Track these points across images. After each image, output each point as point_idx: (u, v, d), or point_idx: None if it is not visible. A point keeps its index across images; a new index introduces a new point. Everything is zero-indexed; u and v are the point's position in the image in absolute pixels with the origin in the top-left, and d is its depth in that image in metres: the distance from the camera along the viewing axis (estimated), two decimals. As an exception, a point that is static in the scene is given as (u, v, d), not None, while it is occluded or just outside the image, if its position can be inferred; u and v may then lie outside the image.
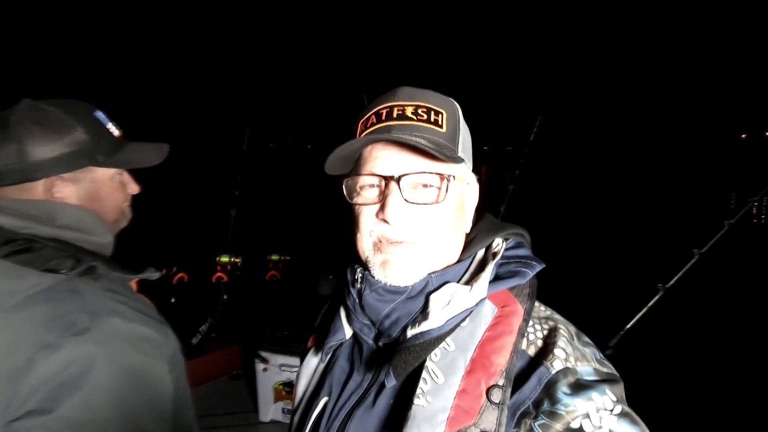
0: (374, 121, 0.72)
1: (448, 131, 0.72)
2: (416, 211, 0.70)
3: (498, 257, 0.73)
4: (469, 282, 0.70)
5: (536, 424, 0.61)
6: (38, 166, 0.94)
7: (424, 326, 0.67)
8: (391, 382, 0.67)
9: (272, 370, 2.83)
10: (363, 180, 0.72)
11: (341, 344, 0.81)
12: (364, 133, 0.72)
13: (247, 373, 3.20)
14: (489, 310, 0.69)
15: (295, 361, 2.64)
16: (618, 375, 0.66)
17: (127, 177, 1.08)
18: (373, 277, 0.71)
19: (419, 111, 0.72)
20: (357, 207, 0.73)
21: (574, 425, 0.59)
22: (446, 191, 0.70)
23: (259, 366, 2.85)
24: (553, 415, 0.60)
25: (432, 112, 0.72)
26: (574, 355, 0.65)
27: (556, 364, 0.64)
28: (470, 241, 0.77)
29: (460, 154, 0.73)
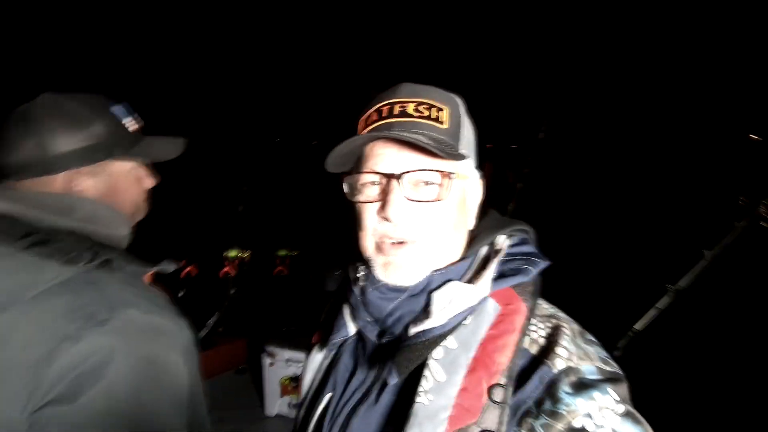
0: (375, 118, 0.72)
1: (450, 128, 0.72)
2: (418, 208, 0.69)
3: (501, 254, 0.72)
4: (471, 280, 0.70)
5: (538, 423, 0.61)
6: (58, 160, 0.95)
7: (426, 324, 0.67)
8: (394, 380, 0.67)
9: (279, 364, 2.85)
10: (364, 178, 0.72)
11: (346, 340, 0.82)
12: (365, 131, 0.72)
13: (253, 368, 3.22)
14: (492, 308, 0.68)
15: (301, 356, 2.65)
16: (622, 374, 0.65)
17: (143, 171, 1.09)
18: (376, 275, 0.71)
19: (420, 107, 0.71)
20: (359, 205, 0.73)
21: (576, 424, 0.59)
22: (447, 188, 0.70)
23: (266, 360, 2.87)
24: (554, 414, 0.60)
25: (433, 109, 0.71)
26: (577, 353, 0.65)
27: (558, 363, 0.63)
28: (474, 238, 0.76)
29: (462, 150, 0.72)
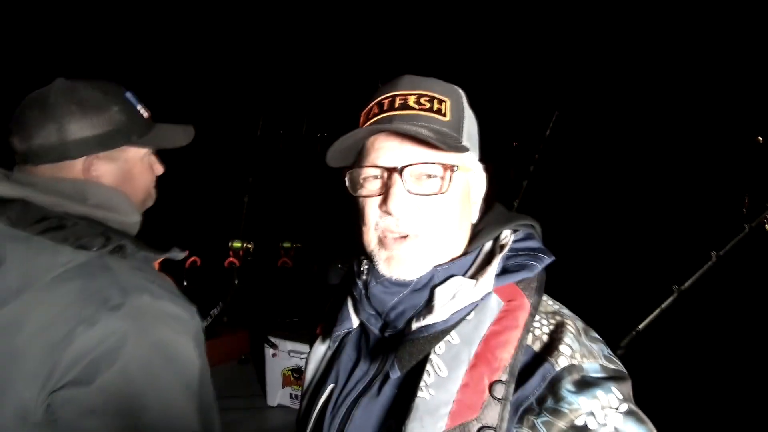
0: (376, 111, 0.71)
1: (452, 120, 0.71)
2: (420, 202, 0.68)
3: (506, 250, 0.71)
4: (475, 275, 0.70)
5: (539, 421, 0.60)
6: (77, 145, 0.95)
7: (428, 319, 0.67)
8: (396, 374, 0.67)
9: (281, 355, 2.86)
10: (365, 172, 0.71)
11: (349, 333, 0.82)
12: (367, 124, 0.71)
13: (256, 358, 3.24)
14: (495, 304, 0.68)
15: (304, 347, 2.67)
16: (626, 372, 0.65)
17: (154, 158, 1.10)
18: (379, 270, 0.71)
19: (422, 100, 0.70)
20: (361, 199, 0.73)
21: (578, 423, 0.58)
22: (450, 181, 0.69)
23: (269, 351, 2.88)
24: (556, 412, 0.60)
25: (435, 101, 0.70)
26: (580, 351, 0.64)
27: (561, 361, 0.63)
28: (478, 233, 0.75)
29: (464, 142, 0.71)
